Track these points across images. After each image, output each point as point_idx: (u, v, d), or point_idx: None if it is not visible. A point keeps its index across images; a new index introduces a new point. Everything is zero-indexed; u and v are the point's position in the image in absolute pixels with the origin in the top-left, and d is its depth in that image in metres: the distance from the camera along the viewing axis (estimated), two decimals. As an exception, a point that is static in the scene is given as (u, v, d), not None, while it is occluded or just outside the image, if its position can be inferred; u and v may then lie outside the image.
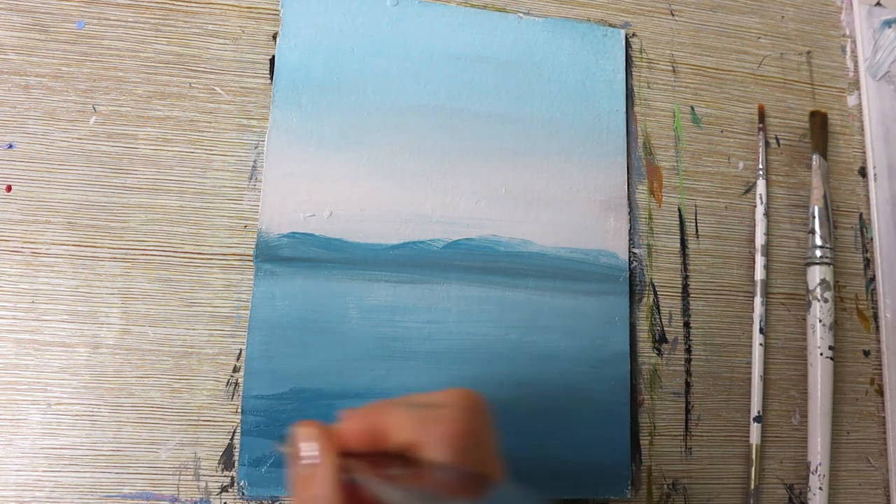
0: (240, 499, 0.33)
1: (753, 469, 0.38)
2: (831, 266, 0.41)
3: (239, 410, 0.34)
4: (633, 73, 0.43)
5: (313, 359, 0.35)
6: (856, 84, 0.46)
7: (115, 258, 0.34)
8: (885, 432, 0.41)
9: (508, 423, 0.36)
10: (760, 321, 0.40)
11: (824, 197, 0.41)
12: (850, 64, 0.46)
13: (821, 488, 0.38)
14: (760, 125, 0.43)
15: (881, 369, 0.42)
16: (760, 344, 0.40)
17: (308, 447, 0.22)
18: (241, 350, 0.34)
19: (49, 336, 0.33)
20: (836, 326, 0.41)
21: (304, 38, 0.38)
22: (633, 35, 0.43)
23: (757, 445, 0.38)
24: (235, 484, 0.33)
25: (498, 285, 0.37)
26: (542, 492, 0.35)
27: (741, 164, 0.43)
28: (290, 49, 0.38)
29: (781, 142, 0.44)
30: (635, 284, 0.40)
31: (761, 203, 0.41)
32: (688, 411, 0.39)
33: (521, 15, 0.41)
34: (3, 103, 0.35)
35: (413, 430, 0.21)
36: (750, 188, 0.43)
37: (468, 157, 0.39)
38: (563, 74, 0.41)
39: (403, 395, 0.24)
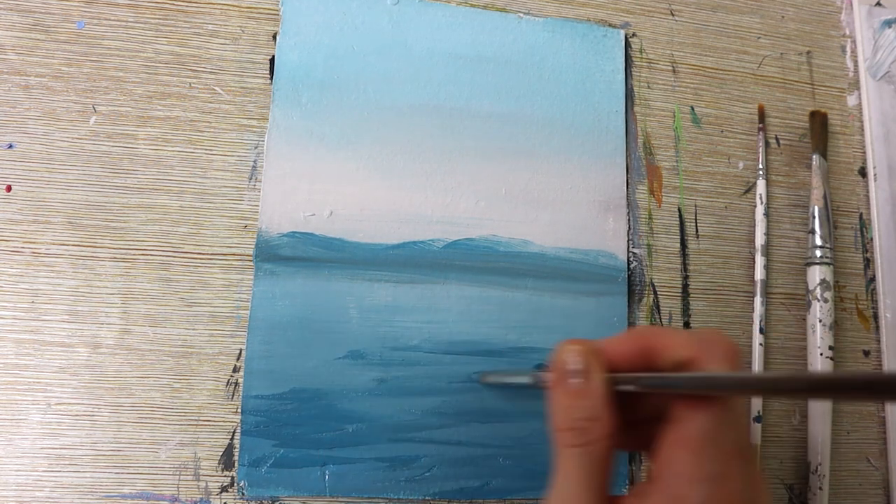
0: (240, 499, 0.33)
1: (753, 469, 0.38)
2: (831, 266, 0.41)
3: (239, 410, 0.34)
4: (633, 73, 0.43)
5: (313, 359, 0.35)
6: (856, 84, 0.46)
7: (115, 258, 0.34)
8: (885, 432, 0.41)
9: (508, 423, 0.36)
10: (760, 321, 0.40)
11: (824, 197, 0.41)
12: (850, 64, 0.46)
13: (821, 488, 0.38)
14: (760, 125, 0.43)
15: (881, 369, 0.42)
16: (760, 344, 0.40)
17: (577, 362, 0.23)
18: (241, 350, 0.34)
19: (49, 336, 0.33)
20: (836, 326, 0.41)
21: (304, 37, 0.38)
22: (633, 35, 0.43)
23: (757, 445, 0.38)
24: (235, 484, 0.33)
25: (498, 285, 0.37)
26: (541, 491, 0.35)
27: (741, 164, 0.43)
28: (290, 49, 0.38)
29: (781, 142, 0.44)
30: (635, 284, 0.40)
31: (761, 203, 0.41)
32: (688, 411, 0.39)
33: (521, 15, 0.41)
34: (3, 103, 0.35)
35: (692, 347, 0.22)
36: (750, 188, 0.43)
37: (468, 157, 0.39)
38: (563, 74, 0.41)
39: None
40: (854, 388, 0.17)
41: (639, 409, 0.25)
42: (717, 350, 0.22)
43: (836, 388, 0.17)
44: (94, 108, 0.36)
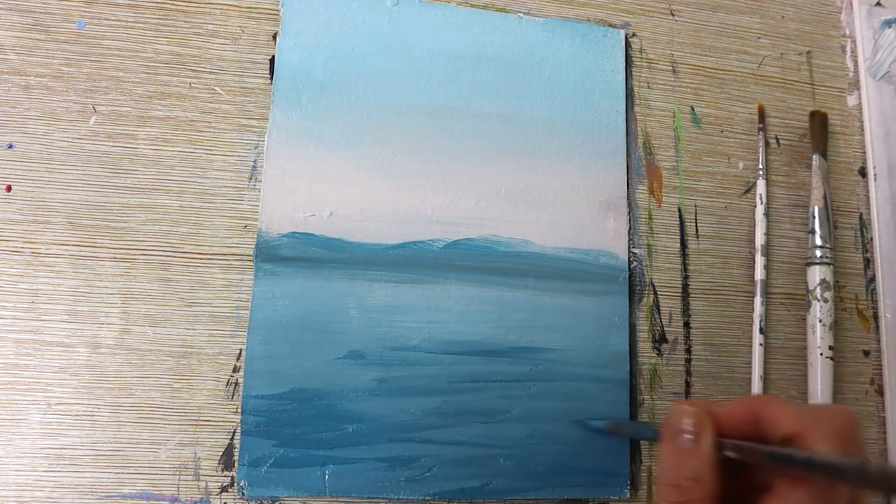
0: (240, 499, 0.33)
1: (753, 469, 0.38)
2: (831, 266, 0.41)
3: (239, 410, 0.34)
4: (633, 73, 0.43)
5: (313, 359, 0.35)
6: (856, 84, 0.46)
7: (115, 258, 0.34)
8: (885, 432, 0.41)
9: (508, 423, 0.36)
10: (760, 321, 0.40)
11: (824, 197, 0.41)
12: (850, 64, 0.46)
13: (821, 488, 0.38)
14: (760, 125, 0.43)
15: (881, 369, 0.42)
16: (760, 344, 0.40)
17: (689, 423, 0.23)
18: (241, 350, 0.34)
19: (49, 336, 0.33)
20: (836, 326, 0.41)
21: (304, 38, 0.38)
22: (633, 35, 0.43)
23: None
24: (235, 484, 0.33)
25: (498, 285, 0.37)
26: (541, 491, 0.36)
27: (741, 164, 0.43)
28: (290, 49, 0.38)
29: (781, 142, 0.44)
30: (635, 284, 0.40)
31: (761, 203, 0.41)
32: (688, 411, 0.39)
33: (521, 15, 0.41)
34: (3, 103, 0.35)
35: (800, 421, 0.22)
36: (750, 188, 0.43)
37: (468, 157, 0.39)
38: (563, 74, 0.41)
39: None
40: None
41: (747, 479, 0.25)
42: (826, 427, 0.22)
43: None
44: (94, 108, 0.36)
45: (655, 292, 0.40)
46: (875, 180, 0.44)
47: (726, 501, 0.23)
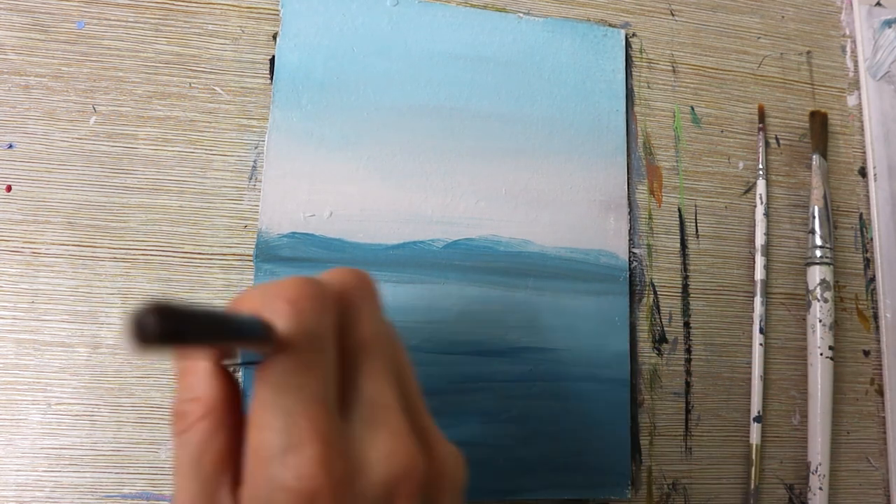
0: (240, 499, 0.33)
1: (753, 469, 0.38)
2: (831, 266, 0.41)
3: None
4: (633, 73, 0.43)
5: (313, 359, 0.34)
6: (856, 84, 0.46)
7: (115, 258, 0.34)
8: (885, 432, 0.41)
9: (508, 423, 0.36)
10: (760, 321, 0.40)
11: (824, 197, 0.41)
12: (850, 64, 0.46)
13: (821, 488, 0.38)
14: (760, 125, 0.43)
15: (881, 369, 0.42)
16: (760, 344, 0.40)
17: None
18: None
19: (49, 336, 0.33)
20: (836, 326, 0.41)
21: (304, 38, 0.38)
22: (633, 35, 0.43)
23: (757, 445, 0.38)
24: (235, 484, 0.33)
25: (498, 285, 0.37)
26: (541, 491, 0.36)
27: (741, 164, 0.43)
28: (290, 49, 0.38)
29: (781, 142, 0.44)
30: (635, 284, 0.40)
31: (761, 203, 0.41)
32: (688, 411, 0.39)
33: (521, 15, 0.41)
34: (3, 103, 0.35)
35: (255, 304, 0.20)
36: (750, 188, 0.43)
37: (468, 157, 0.39)
38: (563, 74, 0.41)
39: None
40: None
41: None
42: (271, 301, 0.20)
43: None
44: (94, 108, 0.36)
45: (655, 292, 0.40)
46: (875, 180, 0.44)
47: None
